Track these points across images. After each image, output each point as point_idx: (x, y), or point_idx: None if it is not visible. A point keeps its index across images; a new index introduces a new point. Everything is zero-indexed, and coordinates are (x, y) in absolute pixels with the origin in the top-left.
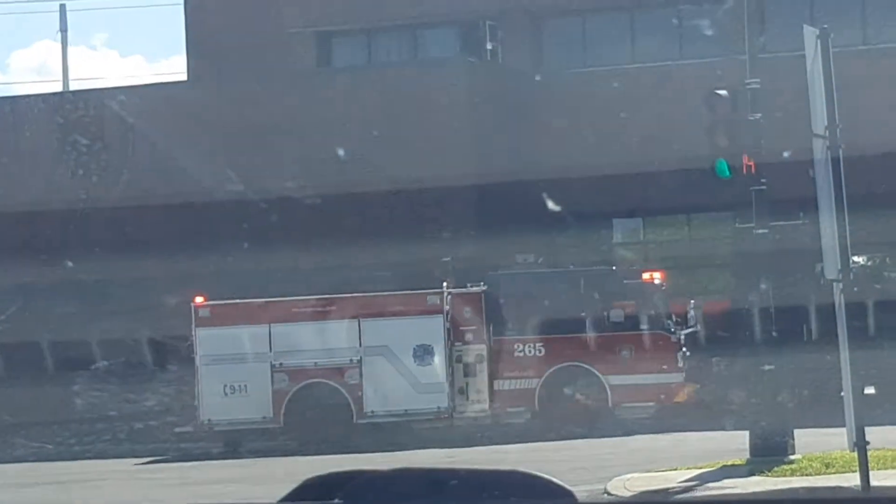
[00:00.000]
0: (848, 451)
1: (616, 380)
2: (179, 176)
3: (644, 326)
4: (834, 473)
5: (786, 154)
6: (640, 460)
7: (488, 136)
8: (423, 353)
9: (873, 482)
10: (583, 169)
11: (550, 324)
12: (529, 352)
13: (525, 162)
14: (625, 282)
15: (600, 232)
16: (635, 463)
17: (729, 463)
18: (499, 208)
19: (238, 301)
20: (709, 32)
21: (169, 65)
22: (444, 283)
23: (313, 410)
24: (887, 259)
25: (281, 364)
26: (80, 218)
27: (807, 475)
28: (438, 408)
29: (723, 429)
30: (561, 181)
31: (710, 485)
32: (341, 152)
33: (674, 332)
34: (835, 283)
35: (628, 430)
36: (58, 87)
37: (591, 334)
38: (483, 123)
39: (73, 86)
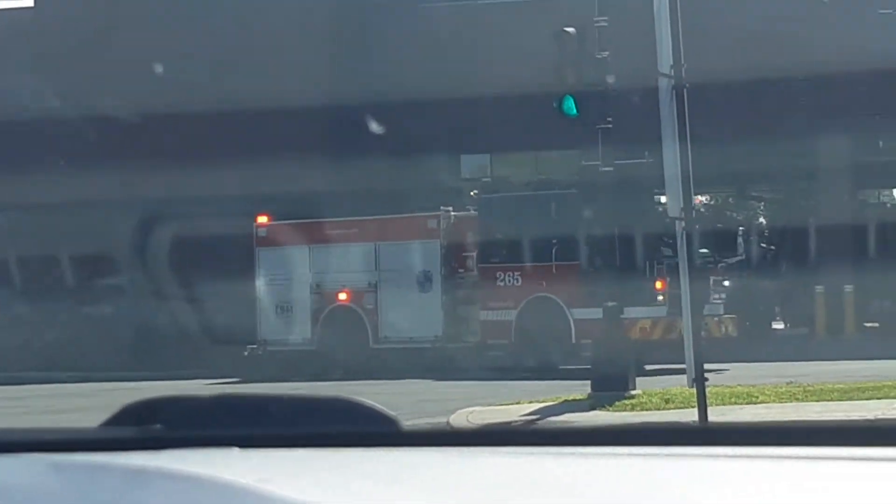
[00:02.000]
0: (687, 388)
1: (579, 313)
2: None
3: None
4: (673, 409)
5: (632, 93)
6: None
7: (334, 68)
8: (424, 279)
9: (711, 418)
10: (431, 104)
11: (525, 251)
12: (509, 281)
13: (371, 96)
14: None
15: (449, 167)
16: (491, 397)
17: (570, 398)
18: (340, 140)
19: (288, 222)
20: None
21: None
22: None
23: (339, 334)
24: (730, 199)
25: (318, 286)
26: None
27: (646, 410)
28: (435, 336)
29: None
30: (408, 116)
31: (550, 418)
32: (160, 69)
33: (658, 262)
34: (677, 221)
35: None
36: None
37: (559, 263)
38: (328, 56)
39: None
